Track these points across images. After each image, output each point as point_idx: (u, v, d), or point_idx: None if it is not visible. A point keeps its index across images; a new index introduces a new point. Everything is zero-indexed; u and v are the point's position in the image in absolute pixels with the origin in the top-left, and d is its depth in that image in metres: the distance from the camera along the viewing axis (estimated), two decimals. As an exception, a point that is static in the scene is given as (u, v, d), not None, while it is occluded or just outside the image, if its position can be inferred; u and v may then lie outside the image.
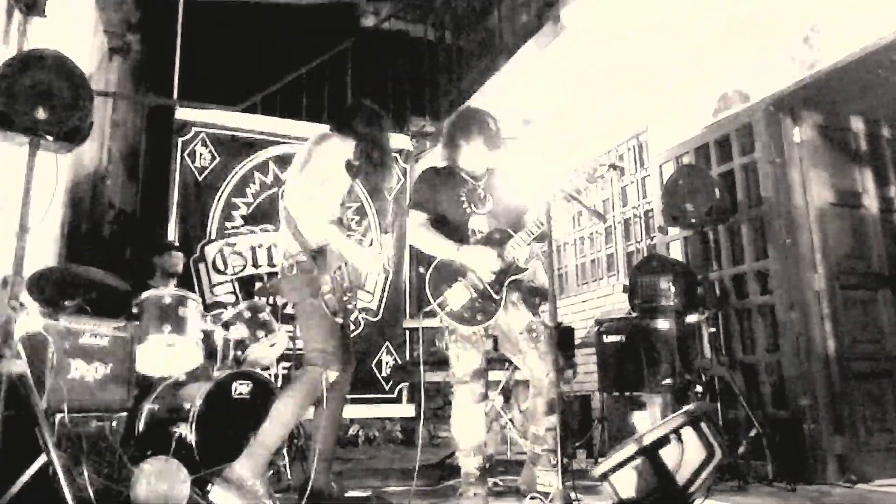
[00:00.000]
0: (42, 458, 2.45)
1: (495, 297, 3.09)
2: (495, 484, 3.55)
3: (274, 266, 5.90)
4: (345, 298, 3.06)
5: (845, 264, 4.21)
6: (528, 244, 3.12)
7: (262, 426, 2.92)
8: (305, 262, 2.99)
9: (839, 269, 4.17)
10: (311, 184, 2.99)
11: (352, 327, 5.98)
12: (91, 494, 2.79)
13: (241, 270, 5.90)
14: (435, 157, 3.64)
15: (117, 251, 6.50)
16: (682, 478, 2.65)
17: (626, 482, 2.68)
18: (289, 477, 3.70)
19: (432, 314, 3.15)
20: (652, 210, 5.50)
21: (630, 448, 2.69)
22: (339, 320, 3.06)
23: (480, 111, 3.39)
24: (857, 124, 4.50)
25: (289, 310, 4.94)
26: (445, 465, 4.17)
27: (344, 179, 3.16)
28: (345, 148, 3.13)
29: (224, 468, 2.90)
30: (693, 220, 4.14)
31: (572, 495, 2.49)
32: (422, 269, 3.20)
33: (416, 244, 3.31)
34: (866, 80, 3.99)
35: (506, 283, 3.12)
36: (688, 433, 2.71)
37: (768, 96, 4.22)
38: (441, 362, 3.96)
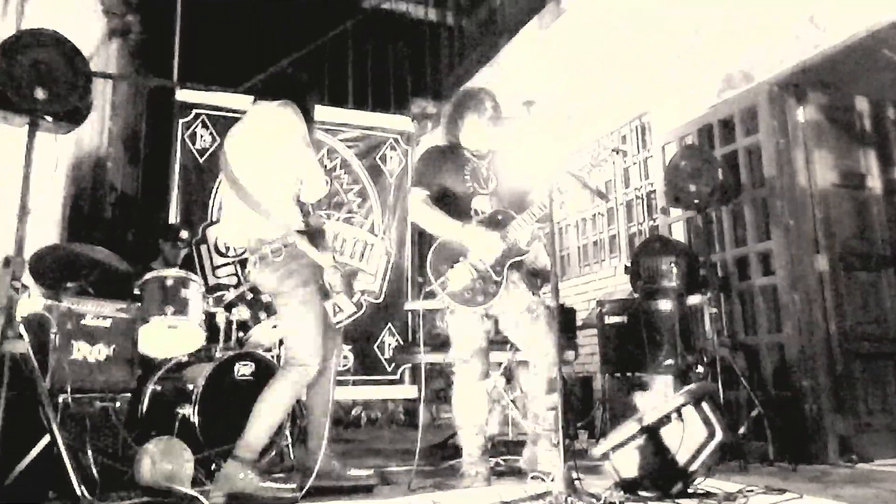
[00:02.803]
0: (46, 439, 2.47)
1: (496, 278, 3.09)
2: (497, 464, 3.57)
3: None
4: (351, 278, 3.01)
5: (849, 245, 4.19)
6: (531, 226, 3.11)
7: (248, 426, 2.78)
8: (293, 245, 2.80)
9: (842, 250, 4.16)
10: (305, 160, 2.84)
11: (353, 309, 6.00)
12: (95, 474, 2.81)
13: (243, 252, 5.88)
14: (436, 138, 3.62)
15: (119, 233, 6.50)
16: (683, 457, 2.67)
17: (628, 461, 2.69)
18: (291, 458, 3.72)
19: (433, 295, 3.15)
20: (654, 191, 5.48)
21: (631, 427, 2.71)
22: (340, 302, 2.97)
23: (480, 90, 3.38)
24: (862, 105, 4.46)
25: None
26: (447, 445, 4.19)
27: None
28: None
29: (227, 449, 2.91)
30: (696, 202, 4.12)
31: (574, 475, 2.50)
32: (419, 266, 3.17)
33: (418, 222, 3.30)
34: (871, 61, 3.95)
35: (507, 265, 3.11)
36: (689, 413, 2.73)
37: (772, 77, 4.19)
38: (443, 344, 3.96)
